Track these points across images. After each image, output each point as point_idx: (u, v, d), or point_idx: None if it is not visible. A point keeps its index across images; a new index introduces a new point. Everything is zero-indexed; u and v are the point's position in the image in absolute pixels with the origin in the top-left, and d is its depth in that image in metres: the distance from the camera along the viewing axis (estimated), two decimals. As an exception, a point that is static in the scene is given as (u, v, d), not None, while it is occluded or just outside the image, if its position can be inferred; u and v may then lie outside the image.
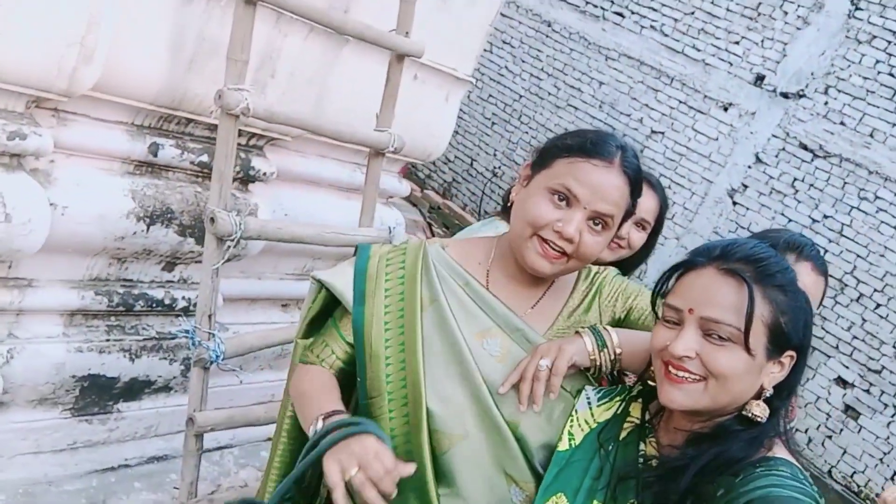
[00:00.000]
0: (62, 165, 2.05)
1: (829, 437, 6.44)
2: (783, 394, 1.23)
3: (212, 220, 1.96)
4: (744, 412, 1.22)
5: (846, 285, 6.63)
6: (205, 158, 2.33)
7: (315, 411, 1.34)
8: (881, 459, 6.18)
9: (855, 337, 6.51)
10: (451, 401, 1.40)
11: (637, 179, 1.43)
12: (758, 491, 1.11)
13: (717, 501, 1.14)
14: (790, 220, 6.99)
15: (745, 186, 7.32)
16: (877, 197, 6.58)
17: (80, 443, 2.40)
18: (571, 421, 1.41)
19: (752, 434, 1.20)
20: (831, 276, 6.87)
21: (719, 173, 7.50)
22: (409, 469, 1.19)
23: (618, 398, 1.44)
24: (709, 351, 1.18)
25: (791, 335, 1.19)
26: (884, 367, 6.31)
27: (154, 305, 2.44)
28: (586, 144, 1.39)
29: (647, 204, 2.09)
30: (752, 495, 1.11)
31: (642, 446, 1.34)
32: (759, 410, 1.21)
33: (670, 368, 1.22)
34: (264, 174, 2.51)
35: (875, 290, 6.49)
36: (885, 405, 6.24)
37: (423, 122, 2.99)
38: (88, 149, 2.11)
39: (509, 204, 1.64)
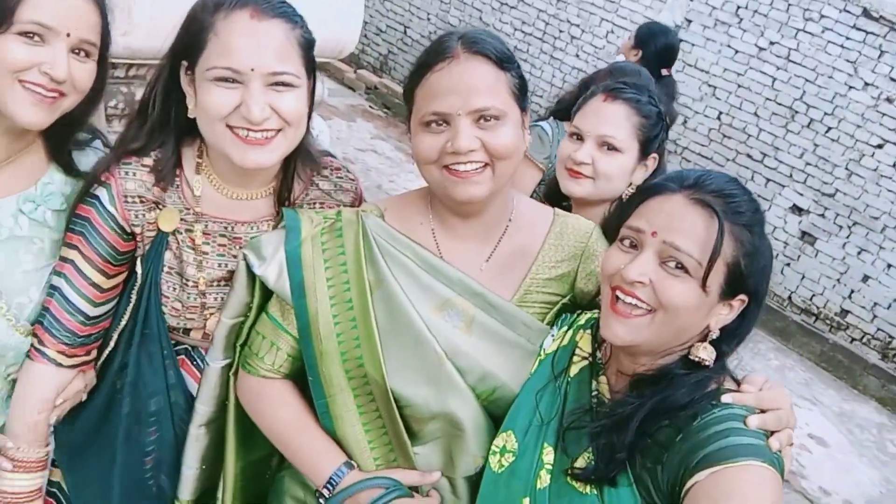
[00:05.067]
0: None
1: (788, 264, 6.57)
2: (732, 340, 1.15)
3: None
4: (689, 356, 1.12)
5: (796, 112, 6.53)
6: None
7: (316, 463, 1.32)
8: (838, 280, 6.34)
9: (808, 163, 6.49)
10: (417, 385, 1.30)
11: None
12: (714, 442, 1.04)
13: (676, 445, 1.07)
14: (737, 52, 6.77)
15: (689, 21, 7.02)
16: (822, 16, 6.35)
17: None
18: None
19: (696, 378, 1.12)
20: (780, 104, 6.61)
21: (661, 10, 7.17)
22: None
23: (566, 327, 1.35)
24: (663, 279, 1.10)
25: (748, 278, 1.12)
26: (837, 190, 6.34)
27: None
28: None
29: (613, 117, 1.76)
30: (710, 447, 1.03)
31: (594, 385, 1.27)
32: (706, 354, 1.12)
33: (619, 294, 1.13)
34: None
35: (825, 114, 6.40)
36: (840, 227, 6.33)
37: (325, 16, 2.67)
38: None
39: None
